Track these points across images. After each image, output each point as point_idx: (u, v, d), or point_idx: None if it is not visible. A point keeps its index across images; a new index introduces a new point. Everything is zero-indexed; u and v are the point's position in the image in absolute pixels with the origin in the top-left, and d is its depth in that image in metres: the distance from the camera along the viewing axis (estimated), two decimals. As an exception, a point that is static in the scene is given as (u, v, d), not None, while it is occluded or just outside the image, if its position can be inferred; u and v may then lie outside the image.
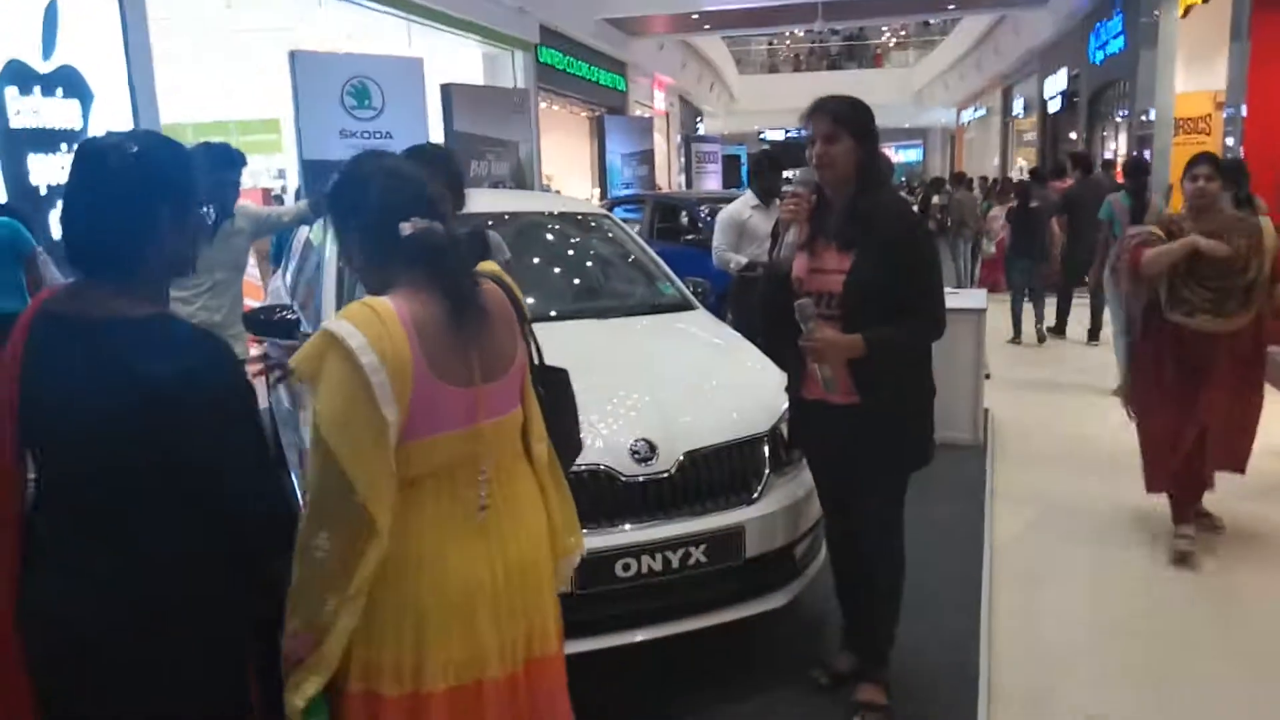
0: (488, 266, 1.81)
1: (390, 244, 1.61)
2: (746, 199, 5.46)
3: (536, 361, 1.90)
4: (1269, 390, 3.98)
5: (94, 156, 1.54)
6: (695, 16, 18.25)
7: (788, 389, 2.91)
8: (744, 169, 25.12)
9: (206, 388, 1.48)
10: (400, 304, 1.58)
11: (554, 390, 1.98)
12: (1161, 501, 4.00)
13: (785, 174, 2.79)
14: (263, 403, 5.54)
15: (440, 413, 1.59)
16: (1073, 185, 9.09)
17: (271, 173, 13.15)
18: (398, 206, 1.62)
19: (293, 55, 7.56)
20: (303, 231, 4.87)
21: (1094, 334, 8.37)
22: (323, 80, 7.60)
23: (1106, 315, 7.27)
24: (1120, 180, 8.02)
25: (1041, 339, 8.64)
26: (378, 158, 1.73)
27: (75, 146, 1.63)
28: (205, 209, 1.64)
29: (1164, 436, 3.89)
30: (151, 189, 1.54)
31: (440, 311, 1.60)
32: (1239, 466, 3.93)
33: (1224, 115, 9.31)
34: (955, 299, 5.92)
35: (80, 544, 1.51)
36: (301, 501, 3.34)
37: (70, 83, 6.57)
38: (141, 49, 7.12)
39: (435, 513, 1.63)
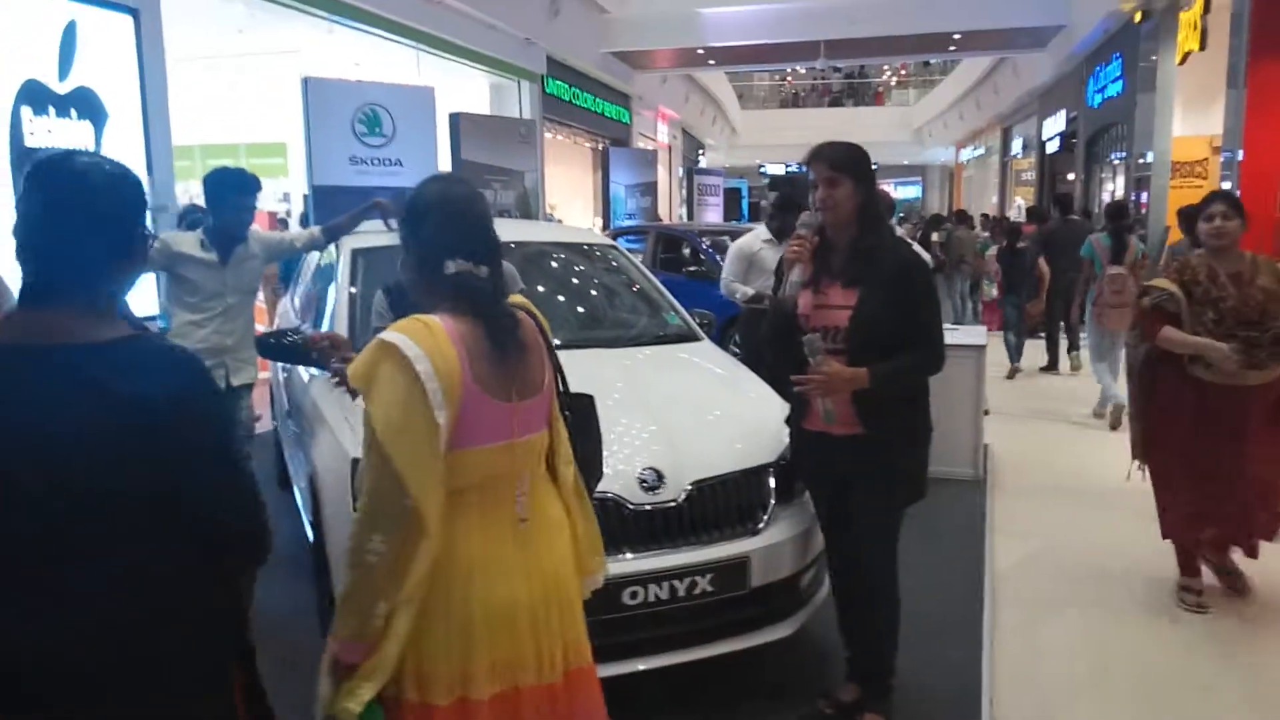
0: (517, 299, 1.89)
1: (436, 274, 1.71)
2: (759, 233, 5.63)
3: (563, 388, 1.98)
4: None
5: (72, 174, 1.51)
6: (700, 52, 18.49)
7: (789, 420, 2.96)
8: (744, 202, 25.37)
9: (191, 408, 1.48)
10: (447, 321, 1.67)
11: (580, 416, 2.06)
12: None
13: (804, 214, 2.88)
14: (268, 424, 5.58)
15: (485, 424, 1.68)
16: (1050, 225, 9.46)
17: (277, 196, 13.25)
18: (448, 243, 1.72)
19: (305, 82, 7.67)
20: (313, 256, 4.92)
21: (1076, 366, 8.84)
22: (334, 107, 7.71)
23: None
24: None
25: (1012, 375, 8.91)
26: (446, 186, 1.81)
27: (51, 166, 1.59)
28: (151, 236, 1.67)
29: (1194, 511, 3.63)
30: (130, 208, 1.54)
31: (482, 334, 1.70)
32: (1272, 534, 3.65)
33: (1220, 160, 9.45)
34: (955, 335, 6.00)
35: (42, 567, 1.43)
36: (307, 521, 3.37)
37: (85, 104, 6.66)
38: (157, 71, 7.22)
39: (481, 523, 1.70)
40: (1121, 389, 5.45)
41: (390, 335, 1.63)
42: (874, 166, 2.83)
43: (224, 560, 1.57)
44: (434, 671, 1.65)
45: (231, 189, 3.94)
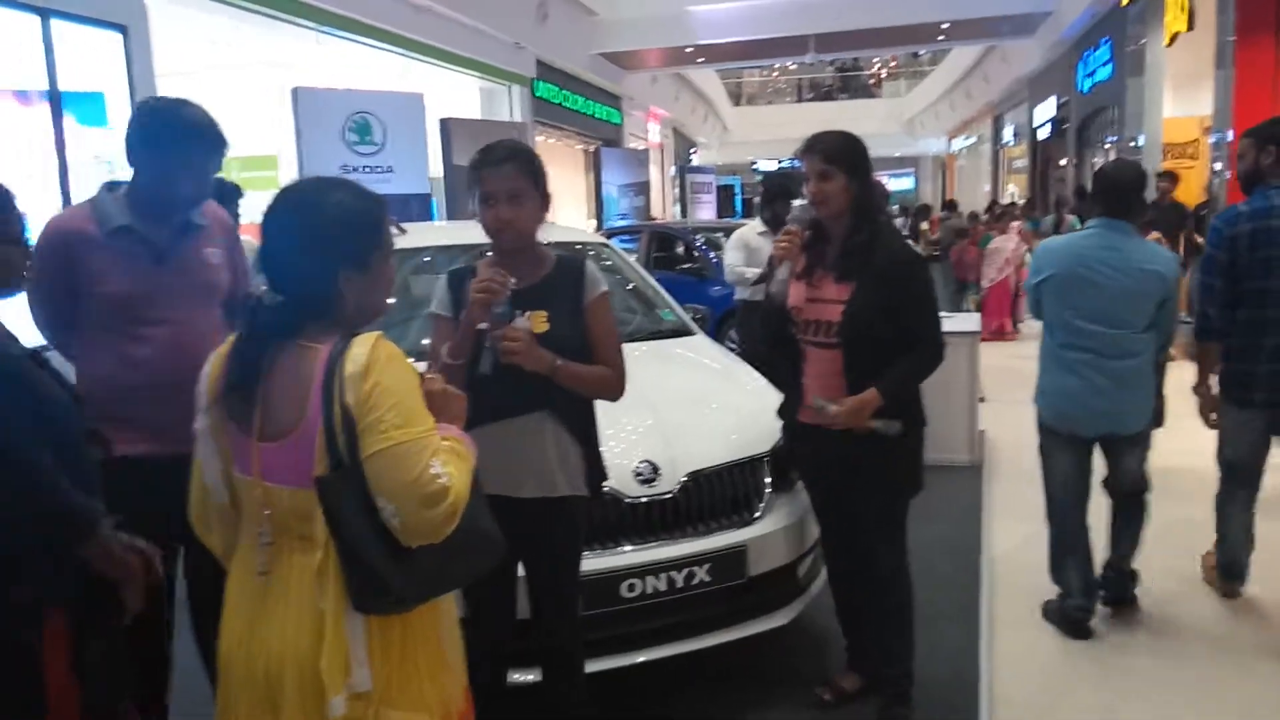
0: (367, 336, 1.54)
1: None
2: (755, 225, 5.81)
3: (338, 462, 1.51)
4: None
5: None
6: (689, 50, 18.51)
7: (782, 413, 2.95)
8: (738, 199, 25.39)
9: None
10: None
11: (326, 502, 1.52)
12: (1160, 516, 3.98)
13: (794, 203, 2.85)
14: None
15: (236, 448, 1.62)
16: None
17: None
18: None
19: (295, 92, 7.69)
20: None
21: None
22: (324, 116, 7.73)
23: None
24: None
25: None
26: (269, 211, 1.66)
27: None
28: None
29: None
30: None
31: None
32: None
33: (1210, 140, 9.46)
34: (949, 323, 5.98)
35: None
36: None
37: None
38: (147, 87, 7.22)
39: (243, 558, 1.65)
40: None
41: None
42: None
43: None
44: None
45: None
